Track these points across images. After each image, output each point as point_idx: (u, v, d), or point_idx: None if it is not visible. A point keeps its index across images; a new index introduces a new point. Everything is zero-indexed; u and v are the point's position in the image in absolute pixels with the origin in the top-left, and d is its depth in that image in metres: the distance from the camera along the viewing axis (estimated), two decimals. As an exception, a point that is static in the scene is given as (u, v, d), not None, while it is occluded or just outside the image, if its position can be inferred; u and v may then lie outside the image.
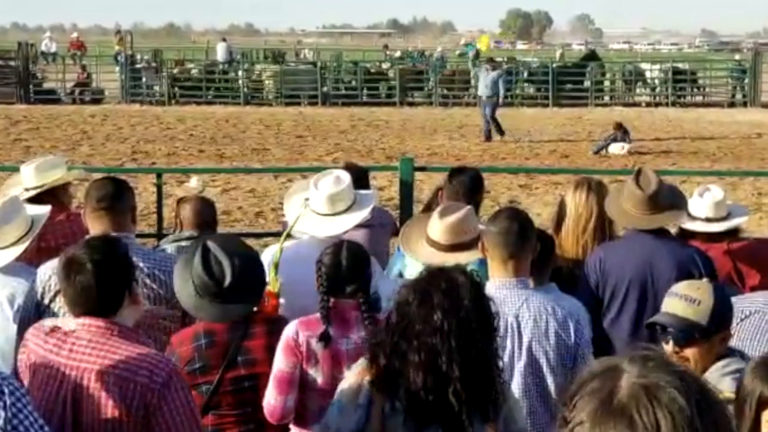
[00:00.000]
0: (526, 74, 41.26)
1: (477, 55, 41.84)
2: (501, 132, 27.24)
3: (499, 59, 40.42)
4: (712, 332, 3.96)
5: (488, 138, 26.96)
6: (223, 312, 4.71)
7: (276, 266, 5.41)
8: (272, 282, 5.29)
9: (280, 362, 4.56)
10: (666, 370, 1.98)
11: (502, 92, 27.90)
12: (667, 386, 1.93)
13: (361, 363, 3.76)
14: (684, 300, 4.01)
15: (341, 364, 4.54)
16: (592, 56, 43.62)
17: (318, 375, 4.57)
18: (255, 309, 4.84)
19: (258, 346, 4.68)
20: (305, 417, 4.63)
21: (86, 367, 3.73)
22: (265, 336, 4.70)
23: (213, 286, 4.67)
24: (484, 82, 27.74)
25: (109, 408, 3.68)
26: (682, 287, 4.09)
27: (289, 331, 4.60)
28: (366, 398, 3.61)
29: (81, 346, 3.77)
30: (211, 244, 4.80)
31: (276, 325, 4.77)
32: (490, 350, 3.56)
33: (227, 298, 4.68)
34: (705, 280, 4.39)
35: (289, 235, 6.08)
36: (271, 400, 4.57)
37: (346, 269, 4.66)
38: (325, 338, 4.53)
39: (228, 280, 4.66)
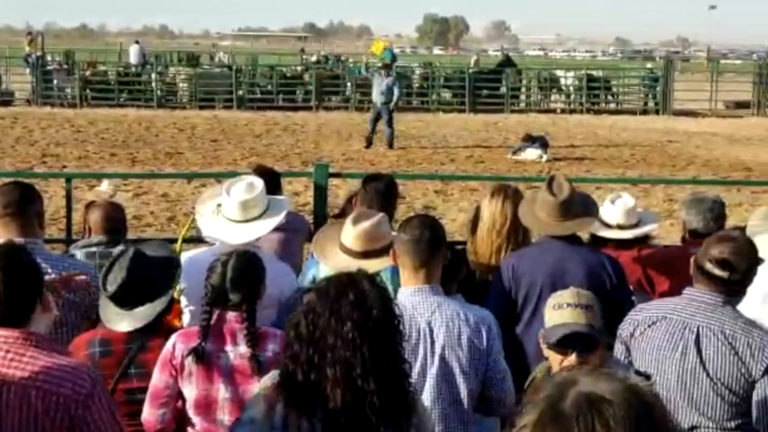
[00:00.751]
0: (442, 80, 41.51)
1: (394, 59, 41.86)
2: (392, 143, 26.87)
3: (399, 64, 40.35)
4: (603, 335, 4.05)
5: (370, 144, 26.81)
6: (119, 319, 4.66)
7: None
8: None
9: (155, 376, 4.49)
10: (614, 383, 2.02)
11: (396, 97, 27.74)
12: (612, 398, 1.96)
13: (271, 378, 3.63)
14: (578, 308, 4.02)
15: (214, 379, 4.47)
16: (507, 62, 43.96)
17: (193, 390, 4.48)
18: (161, 320, 4.75)
19: (152, 359, 4.59)
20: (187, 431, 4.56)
21: (5, 380, 3.60)
22: (160, 350, 4.60)
23: (103, 290, 4.66)
24: (379, 88, 27.36)
25: (32, 422, 3.57)
26: (567, 297, 4.11)
27: (168, 343, 4.52)
28: (281, 420, 3.47)
29: None
30: (132, 249, 4.78)
31: None
32: (400, 359, 3.52)
33: (120, 303, 4.64)
34: (581, 289, 4.48)
35: (199, 241, 6.02)
36: (145, 413, 4.50)
37: (232, 279, 4.56)
38: (197, 353, 4.44)
39: (115, 286, 4.63)
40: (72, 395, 3.58)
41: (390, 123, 26.94)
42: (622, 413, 1.93)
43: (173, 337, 4.54)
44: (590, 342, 4.02)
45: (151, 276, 4.73)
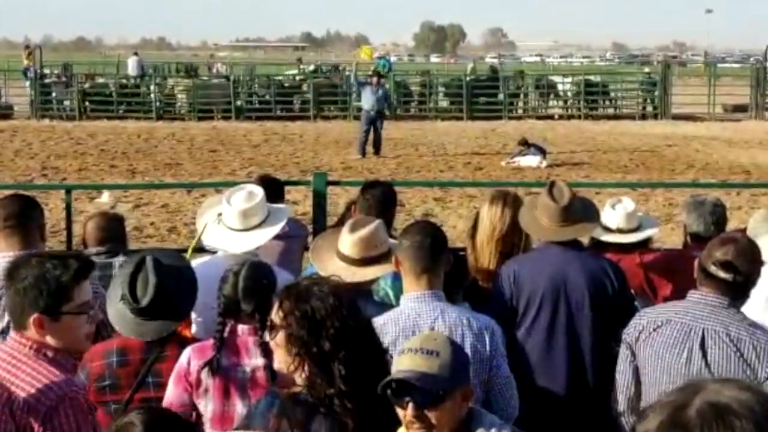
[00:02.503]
0: (440, 87, 41.58)
1: (390, 68, 41.91)
2: (370, 151, 26.98)
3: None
4: (455, 387, 3.47)
5: (364, 153, 26.82)
6: (140, 328, 4.64)
7: None
8: None
9: (170, 390, 4.46)
10: (745, 393, 1.91)
11: (391, 107, 27.78)
12: (738, 409, 1.86)
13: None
14: (421, 353, 3.48)
15: (231, 394, 4.45)
16: (492, 73, 44.27)
17: (209, 405, 4.46)
18: (174, 330, 4.75)
19: (169, 369, 4.57)
20: None
21: None
22: (177, 360, 4.58)
23: (132, 301, 4.61)
24: (374, 96, 27.38)
25: (0, 423, 3.58)
26: (415, 341, 3.60)
27: (182, 358, 4.50)
28: None
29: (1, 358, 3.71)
30: (148, 258, 4.74)
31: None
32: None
33: (147, 315, 4.62)
34: (437, 332, 4.13)
35: (201, 250, 6.01)
36: None
37: (244, 290, 4.54)
38: (212, 366, 4.41)
39: (148, 298, 4.60)
40: (34, 404, 3.58)
41: (381, 130, 27.12)
42: (750, 427, 1.83)
43: (187, 352, 4.51)
44: (430, 391, 3.41)
45: (179, 288, 4.73)
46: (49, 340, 3.72)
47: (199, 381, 4.44)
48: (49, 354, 3.73)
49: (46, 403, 3.58)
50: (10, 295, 3.72)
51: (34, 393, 3.60)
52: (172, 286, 4.68)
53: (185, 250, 7.53)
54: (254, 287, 4.57)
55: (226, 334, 4.52)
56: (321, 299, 3.62)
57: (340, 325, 3.58)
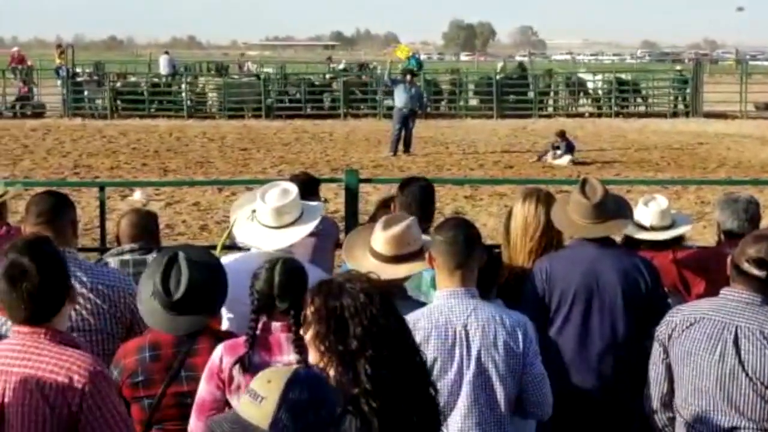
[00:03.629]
0: (470, 86, 41.55)
1: (420, 66, 41.83)
2: (401, 149, 27.03)
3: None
4: None
5: (396, 152, 26.86)
6: (173, 323, 4.65)
7: None
8: None
9: (202, 387, 4.47)
10: None
11: (425, 105, 27.73)
12: None
13: None
14: (249, 396, 3.09)
15: None
16: (522, 70, 44.25)
17: None
18: (206, 324, 4.77)
19: (202, 363, 4.58)
20: None
21: (11, 371, 3.70)
22: (210, 353, 4.59)
23: (165, 296, 4.63)
24: (407, 94, 27.37)
25: (31, 411, 3.66)
26: (253, 382, 3.16)
27: (214, 355, 4.50)
28: None
29: (10, 352, 3.76)
30: (180, 253, 4.76)
31: (222, 342, 4.66)
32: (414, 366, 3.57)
33: (179, 309, 4.63)
34: (278, 371, 3.35)
35: (233, 247, 6.03)
36: (192, 425, 4.47)
37: (279, 286, 4.54)
38: (243, 363, 4.41)
39: (180, 292, 4.61)
40: (69, 384, 3.66)
41: (412, 128, 27.11)
42: None
43: (219, 349, 4.51)
44: None
45: (211, 284, 4.74)
46: (59, 326, 3.84)
47: (231, 378, 4.43)
48: (63, 338, 3.83)
49: (81, 380, 3.66)
50: (31, 288, 3.74)
51: (66, 374, 3.67)
52: (203, 281, 4.68)
53: (215, 247, 7.59)
54: (289, 283, 4.56)
55: (258, 331, 4.52)
56: (352, 296, 3.59)
57: (368, 324, 3.55)
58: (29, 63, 48.02)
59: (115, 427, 3.74)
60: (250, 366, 4.41)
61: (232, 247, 6.84)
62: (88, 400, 3.67)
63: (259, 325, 4.53)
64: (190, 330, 4.66)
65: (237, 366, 4.42)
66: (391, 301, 3.74)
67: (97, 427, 3.70)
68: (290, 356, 4.46)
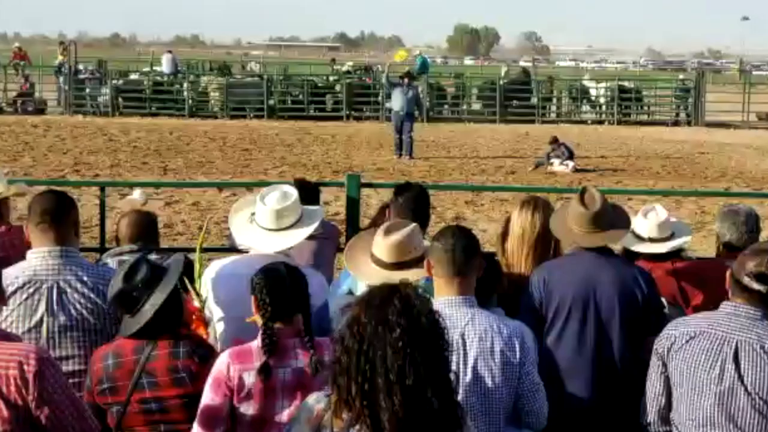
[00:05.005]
0: (473, 90, 41.59)
1: (426, 68, 41.84)
2: (410, 153, 26.97)
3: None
4: None
5: (401, 153, 26.90)
6: (125, 324, 4.70)
7: (199, 281, 5.42)
8: (194, 298, 5.28)
9: (208, 396, 4.46)
10: None
11: (421, 108, 27.72)
12: None
13: (317, 401, 3.57)
14: None
15: (276, 395, 4.46)
16: (526, 76, 44.30)
17: (250, 408, 4.46)
18: (166, 326, 4.74)
19: (161, 367, 4.60)
20: None
21: None
22: (168, 358, 4.62)
23: (109, 294, 4.74)
24: (404, 97, 27.34)
25: None
26: None
27: (220, 364, 4.50)
28: None
29: None
30: (142, 258, 4.86)
31: (182, 347, 4.67)
32: (448, 368, 3.47)
33: (127, 308, 4.69)
34: None
35: (236, 250, 6.03)
36: None
37: (289, 292, 4.58)
38: (264, 371, 4.42)
39: (114, 290, 4.70)
40: (21, 374, 3.81)
41: (411, 131, 27.08)
42: None
43: (224, 358, 4.51)
44: None
45: (147, 278, 4.72)
46: None
47: (241, 385, 4.44)
48: None
49: (31, 369, 3.83)
50: None
51: (16, 365, 3.83)
52: (136, 278, 4.76)
53: (215, 249, 7.56)
54: (298, 289, 4.61)
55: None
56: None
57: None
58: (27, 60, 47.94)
59: (66, 411, 3.91)
60: (270, 373, 4.43)
61: (231, 249, 6.83)
62: (39, 387, 3.82)
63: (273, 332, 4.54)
64: (138, 327, 4.67)
65: (247, 372, 4.43)
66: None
67: (55, 408, 3.87)
68: (300, 359, 4.50)
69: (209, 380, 4.49)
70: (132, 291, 4.66)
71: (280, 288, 4.58)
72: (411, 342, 3.29)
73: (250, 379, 4.44)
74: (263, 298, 4.57)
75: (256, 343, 4.53)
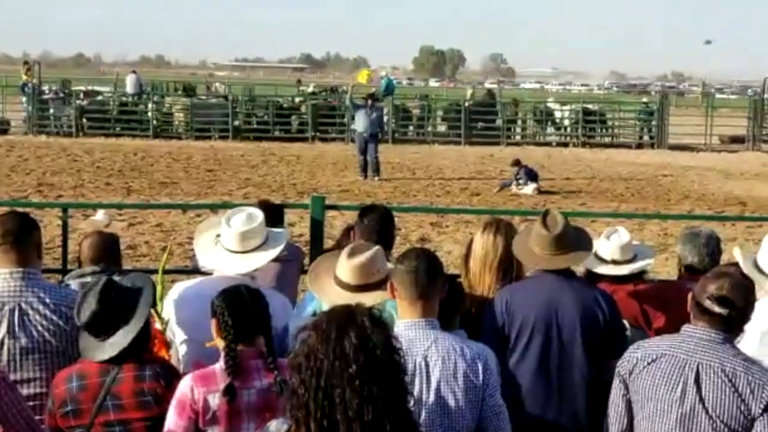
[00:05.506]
0: (439, 112, 41.73)
1: (390, 90, 41.96)
2: (377, 173, 27.04)
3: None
4: None
5: (366, 175, 26.93)
6: (96, 348, 4.66)
7: (161, 303, 5.40)
8: (157, 320, 5.27)
9: (172, 421, 4.44)
10: None
11: (383, 130, 27.83)
12: None
13: (282, 428, 3.50)
14: None
15: (242, 417, 4.45)
16: (491, 97, 44.70)
17: (215, 430, 4.46)
18: (135, 350, 4.71)
19: (126, 390, 4.59)
20: None
21: None
22: (134, 381, 4.61)
23: (81, 319, 4.68)
24: (368, 118, 27.35)
25: None
26: None
27: (184, 387, 4.49)
28: None
29: None
30: (103, 279, 4.81)
31: (148, 370, 4.66)
32: (406, 394, 3.45)
33: (98, 333, 4.65)
34: None
35: (200, 272, 6.02)
36: None
37: (251, 314, 4.58)
38: (230, 393, 4.42)
39: (89, 313, 4.64)
40: None
41: (376, 152, 27.14)
42: None
43: (188, 381, 4.50)
44: None
45: (121, 304, 4.72)
46: None
47: (206, 408, 4.43)
48: None
49: None
50: None
51: None
52: (113, 300, 4.73)
53: (179, 271, 7.52)
54: (260, 311, 4.62)
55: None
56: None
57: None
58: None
59: (23, 421, 3.96)
60: (235, 395, 4.41)
61: (194, 271, 6.80)
62: None
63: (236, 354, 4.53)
64: (111, 354, 4.64)
65: (212, 395, 4.42)
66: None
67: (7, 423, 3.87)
68: (264, 380, 4.50)
69: (173, 403, 4.47)
70: (107, 315, 4.63)
71: (241, 310, 4.58)
72: (368, 378, 3.24)
73: (215, 401, 4.42)
74: (225, 320, 4.57)
75: (219, 366, 4.52)
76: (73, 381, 4.61)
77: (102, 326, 4.64)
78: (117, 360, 4.63)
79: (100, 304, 4.64)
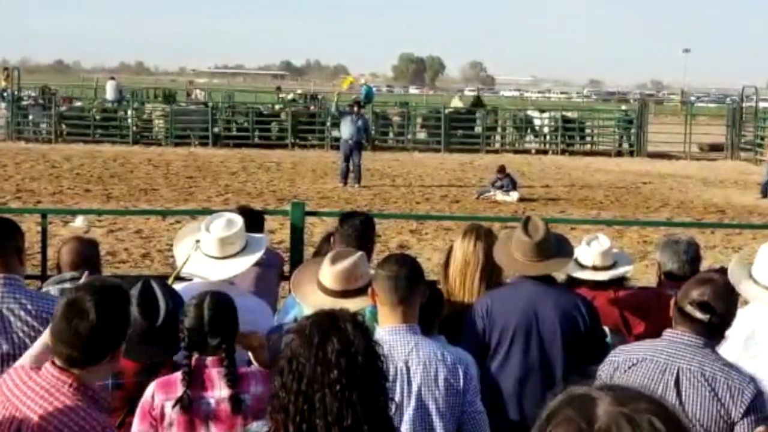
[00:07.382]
0: (418, 119, 41.76)
1: (370, 98, 41.99)
2: (359, 181, 27.15)
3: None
4: None
5: (346, 181, 27.01)
6: (145, 352, 4.66)
7: None
8: None
9: (135, 426, 4.43)
10: (641, 398, 2.00)
11: (369, 137, 27.95)
12: (645, 413, 1.95)
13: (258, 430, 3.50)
14: None
15: (197, 427, 4.42)
16: (478, 102, 44.62)
17: None
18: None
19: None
20: None
21: (28, 414, 3.58)
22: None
23: (145, 325, 4.64)
24: (354, 126, 27.45)
25: None
26: None
27: (147, 393, 4.47)
28: None
29: (33, 392, 3.63)
30: (154, 282, 4.82)
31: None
32: (386, 400, 3.45)
33: (153, 339, 4.64)
34: None
35: (180, 278, 5.99)
36: None
37: (210, 322, 4.52)
38: (183, 402, 4.39)
39: (160, 321, 4.66)
40: None
41: (360, 159, 27.19)
42: (661, 425, 1.92)
43: (151, 387, 4.48)
44: None
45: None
46: (93, 377, 3.70)
47: (163, 415, 4.41)
48: (91, 393, 3.68)
49: None
50: (81, 325, 3.60)
51: (70, 429, 3.52)
52: (175, 313, 4.71)
53: (158, 277, 7.47)
54: (219, 318, 4.56)
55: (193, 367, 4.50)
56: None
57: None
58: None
59: None
60: (190, 404, 4.39)
61: (167, 276, 6.77)
62: None
63: (193, 362, 4.50)
64: (158, 358, 4.67)
65: (169, 403, 4.40)
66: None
67: None
68: (222, 391, 4.45)
69: (138, 410, 4.47)
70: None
71: (198, 318, 4.54)
72: (349, 383, 3.24)
73: (172, 410, 4.40)
74: (182, 328, 4.55)
75: (180, 374, 4.51)
76: (109, 378, 4.55)
77: (159, 338, 4.67)
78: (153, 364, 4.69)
79: (166, 317, 4.69)
